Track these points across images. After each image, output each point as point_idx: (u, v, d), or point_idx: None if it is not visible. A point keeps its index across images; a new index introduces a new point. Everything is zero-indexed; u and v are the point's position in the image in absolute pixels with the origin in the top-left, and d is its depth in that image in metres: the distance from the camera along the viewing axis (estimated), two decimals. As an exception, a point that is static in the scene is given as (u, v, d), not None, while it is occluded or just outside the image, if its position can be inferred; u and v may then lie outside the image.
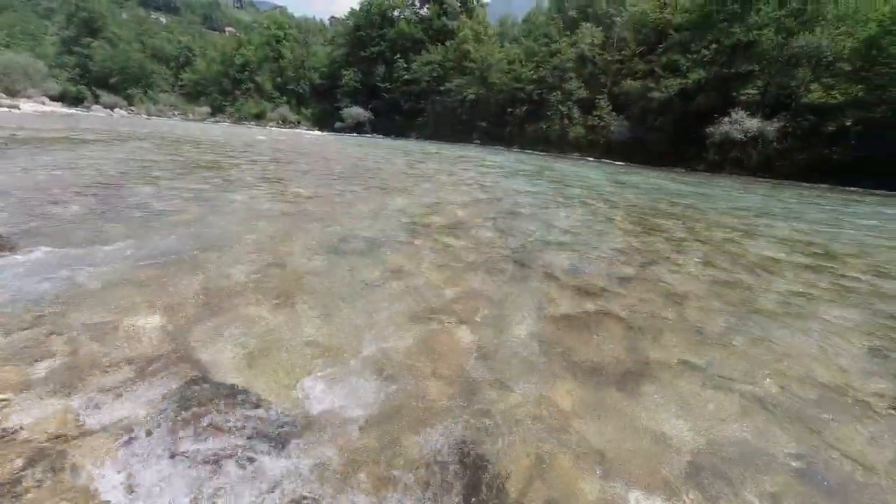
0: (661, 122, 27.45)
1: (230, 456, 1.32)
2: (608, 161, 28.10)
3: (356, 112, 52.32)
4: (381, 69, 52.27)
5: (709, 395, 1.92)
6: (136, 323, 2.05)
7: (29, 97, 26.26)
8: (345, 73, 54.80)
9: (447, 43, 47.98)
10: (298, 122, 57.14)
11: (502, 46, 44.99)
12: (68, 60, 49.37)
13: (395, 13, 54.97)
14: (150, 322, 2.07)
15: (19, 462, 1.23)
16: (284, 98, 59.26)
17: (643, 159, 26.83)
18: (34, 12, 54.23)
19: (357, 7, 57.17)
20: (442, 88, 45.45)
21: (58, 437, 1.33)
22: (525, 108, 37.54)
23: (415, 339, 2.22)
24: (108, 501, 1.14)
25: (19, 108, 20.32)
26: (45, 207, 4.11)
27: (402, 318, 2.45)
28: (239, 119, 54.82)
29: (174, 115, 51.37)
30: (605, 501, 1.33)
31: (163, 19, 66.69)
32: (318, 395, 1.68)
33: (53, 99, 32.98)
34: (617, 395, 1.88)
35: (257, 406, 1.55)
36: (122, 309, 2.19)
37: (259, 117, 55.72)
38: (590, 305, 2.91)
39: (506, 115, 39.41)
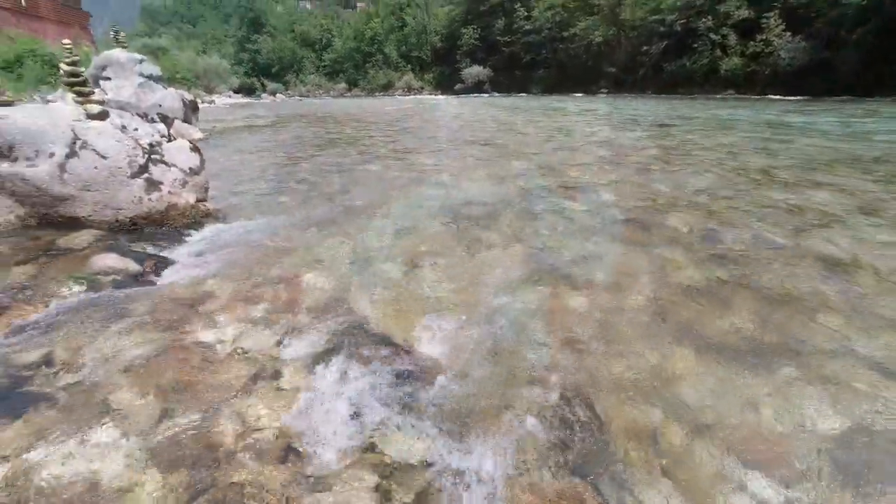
0: (858, 36, 21.04)
1: (378, 383, 1.69)
2: (775, 97, 22.91)
3: (475, 71, 51.54)
4: (500, 22, 49.95)
5: (865, 383, 1.68)
6: (309, 278, 2.61)
7: (220, 93, 32.24)
8: (464, 31, 53.94)
9: (572, -20, 43.27)
10: (422, 88, 58.83)
11: (638, -27, 38.84)
12: (243, 57, 58.63)
13: (516, -43, 51.19)
14: (319, 278, 2.61)
15: (245, 371, 1.78)
16: (409, 66, 61.26)
17: (825, 89, 21.22)
18: (218, 19, 64.91)
19: (474, -42, 54.71)
20: (565, 35, 41.67)
21: (272, 357, 1.87)
22: (664, 44, 32.34)
23: (530, 300, 2.37)
24: (299, 399, 1.60)
25: (214, 102, 25.11)
26: (240, 185, 5.22)
27: (520, 280, 2.61)
28: (370, 91, 58.82)
29: (319, 93, 57.54)
30: (720, 478, 1.32)
31: (308, 6, 73.69)
32: (442, 342, 1.98)
33: (235, 91, 40.13)
34: (745, 372, 1.77)
35: (395, 348, 1.91)
36: (298, 266, 2.79)
37: (387, 87, 58.92)
38: (722, 273, 2.67)
39: (638, 56, 34.58)
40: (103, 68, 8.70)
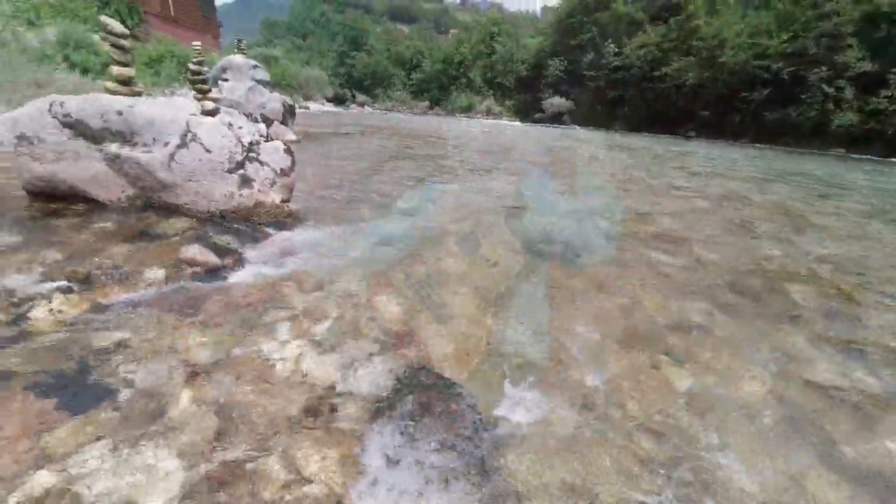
0: None
1: (441, 445, 1.43)
2: (898, 160, 20.06)
3: (557, 102, 51.18)
4: (588, 57, 49.37)
5: None
6: (377, 301, 2.44)
7: (315, 100, 34.72)
8: (550, 63, 54.03)
9: (670, 21, 41.74)
10: (501, 114, 59.46)
11: (744, 17, 36.49)
12: (340, 70, 63.16)
13: (613, -6, 50.68)
14: (389, 303, 2.43)
15: (302, 400, 1.60)
16: (491, 91, 62.34)
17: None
18: (326, 36, 70.83)
19: (571, -6, 54.94)
20: (655, 74, 40.08)
21: (331, 387, 1.69)
22: (767, 91, 29.86)
23: (620, 370, 2.01)
24: (355, 452, 1.38)
25: (309, 108, 27.11)
26: (322, 190, 5.32)
27: (608, 341, 2.26)
28: (451, 111, 60.43)
29: (402, 108, 60.18)
30: None
31: (405, 29, 78.13)
32: (518, 406, 1.68)
33: (328, 100, 43.06)
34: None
35: (472, 411, 1.65)
36: (368, 285, 2.65)
37: (467, 109, 60.24)
38: (863, 375, 2.12)
39: (736, 102, 32.20)
40: (224, 70, 9.57)
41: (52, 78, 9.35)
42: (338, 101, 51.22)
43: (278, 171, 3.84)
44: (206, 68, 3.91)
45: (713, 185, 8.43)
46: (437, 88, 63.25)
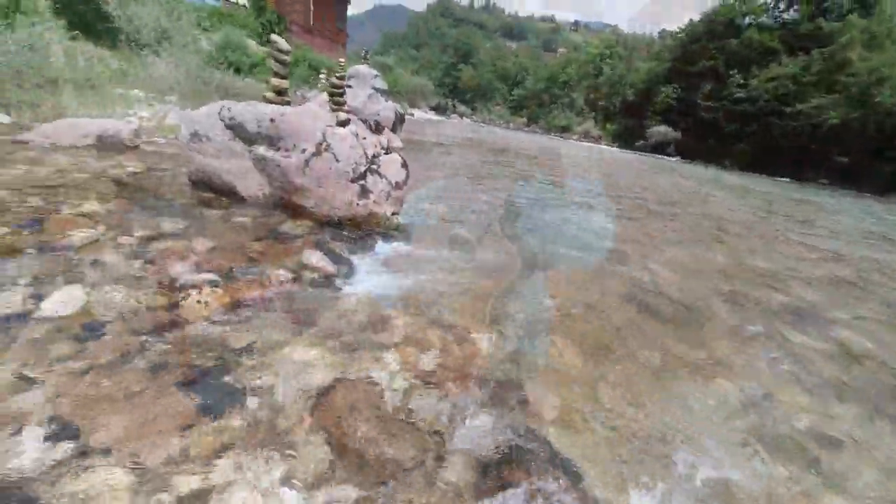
0: None
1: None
2: None
3: (663, 131, 47.73)
4: (707, 86, 45.26)
5: None
6: (482, 340, 2.34)
7: (419, 108, 36.39)
8: (662, 89, 50.58)
9: (812, 52, 36.62)
10: (600, 138, 57.04)
11: (914, 53, 30.73)
12: (446, 81, 65.60)
13: (745, 20, 45.96)
14: (492, 344, 2.32)
15: (411, 448, 1.54)
16: (592, 113, 60.12)
17: None
18: (437, 48, 74.05)
19: (697, 18, 50.93)
20: (787, 110, 35.40)
21: (437, 433, 1.61)
22: (936, 142, 24.75)
23: (760, 486, 1.66)
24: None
25: (413, 115, 28.42)
26: (423, 203, 5.41)
27: (738, 444, 1.90)
28: (547, 130, 59.41)
29: (499, 123, 60.52)
30: None
31: (513, 45, 78.77)
32: (638, 505, 1.45)
33: (431, 108, 44.98)
34: None
35: (588, 495, 1.45)
36: (471, 318, 2.56)
37: (565, 129, 58.73)
38: None
39: (889, 151, 27.16)
40: (349, 78, 10.34)
41: (212, 77, 10.87)
42: (439, 110, 53.17)
43: (393, 184, 3.96)
44: (345, 82, 4.17)
45: (859, 250, 7.09)
46: (537, 106, 62.65)
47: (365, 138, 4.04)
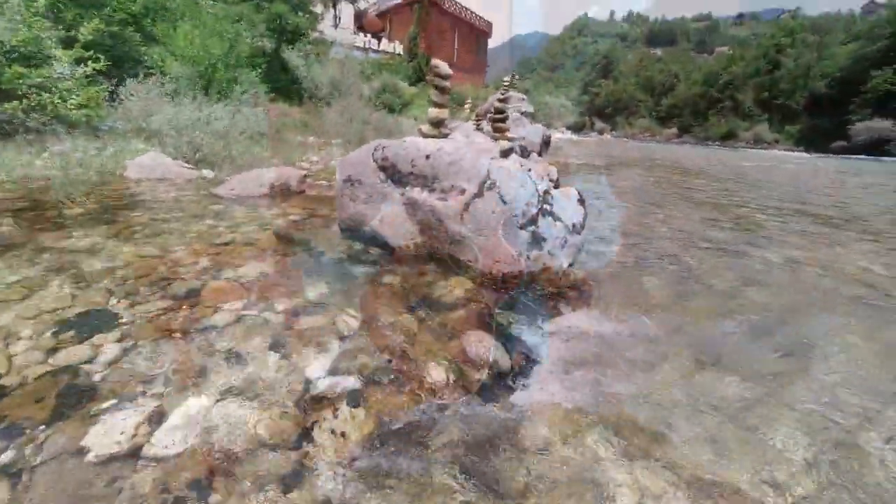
0: None
1: None
2: None
3: (876, 126, 35.80)
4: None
5: None
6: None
7: (555, 128, 34.76)
8: (874, 74, 38.32)
9: None
10: (776, 142, 46.11)
11: None
12: (583, 98, 62.08)
13: None
14: None
15: None
16: (765, 115, 49.15)
17: None
18: (573, 67, 71.07)
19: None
20: None
21: None
22: None
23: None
24: None
25: (551, 136, 27.08)
26: (594, 245, 4.19)
27: None
28: (702, 139, 50.76)
29: (644, 136, 54.14)
30: None
31: (658, 52, 70.39)
32: None
33: (568, 128, 42.75)
34: None
35: None
36: (734, 465, 1.33)
37: (726, 137, 49.28)
38: None
39: None
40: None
41: (369, 117, 11.67)
42: (576, 129, 50.27)
43: (570, 227, 2.94)
44: (509, 106, 3.38)
45: None
46: (691, 114, 54.11)
47: (530, 170, 3.13)
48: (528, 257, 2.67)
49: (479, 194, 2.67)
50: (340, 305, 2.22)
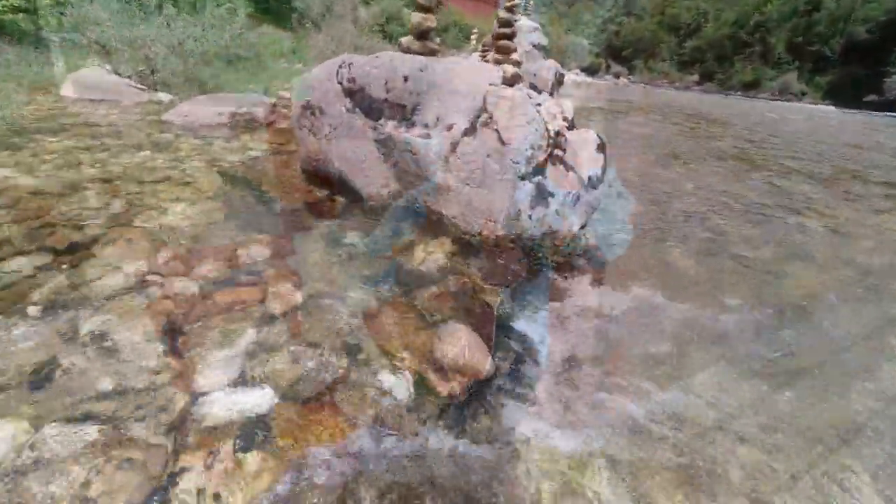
0: None
1: None
2: None
3: (916, 80, 32.95)
4: None
5: None
6: None
7: (570, 70, 32.08)
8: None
9: None
10: (803, 94, 42.90)
11: None
12: (601, 38, 56.91)
13: None
14: None
15: None
16: (796, 63, 45.27)
17: None
18: (593, 2, 64.38)
19: None
20: None
21: None
22: None
23: None
24: None
25: (564, 75, 24.97)
26: (609, 203, 3.55)
27: None
28: (725, 88, 47.30)
29: (661, 83, 50.47)
30: None
31: (688, -13, 63.39)
32: None
33: (582, 70, 39.49)
34: None
35: None
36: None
37: (751, 86, 45.77)
38: None
39: None
40: (504, 34, 8.55)
41: (369, 45, 10.34)
42: (590, 71, 46.57)
43: (586, 181, 2.30)
44: (518, 17, 2.59)
45: None
46: (715, 59, 49.75)
47: (540, 105, 2.41)
48: (529, 217, 2.07)
49: (470, 130, 2.01)
50: (280, 273, 1.67)
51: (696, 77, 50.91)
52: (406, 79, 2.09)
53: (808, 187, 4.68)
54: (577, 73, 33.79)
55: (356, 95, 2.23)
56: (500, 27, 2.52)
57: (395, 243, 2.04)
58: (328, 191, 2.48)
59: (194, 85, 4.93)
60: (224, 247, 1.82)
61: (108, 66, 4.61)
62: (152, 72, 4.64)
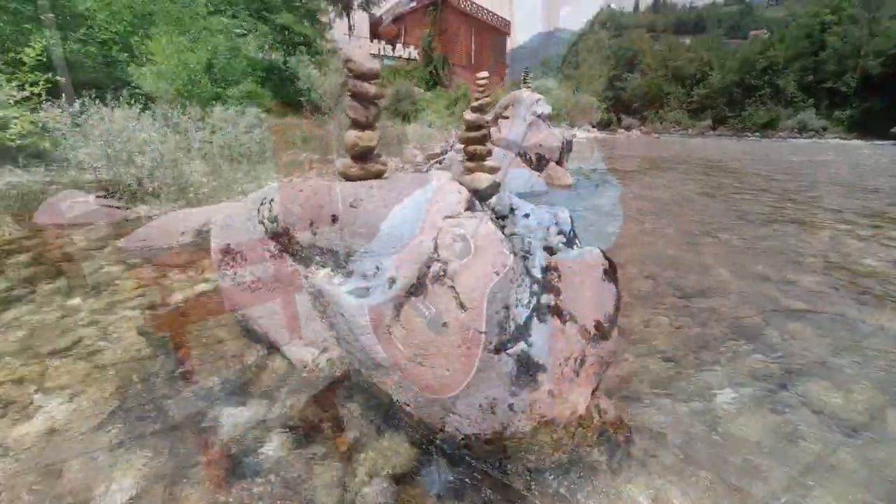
0: None
1: None
2: None
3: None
4: None
5: None
6: None
7: (580, 126, 32.50)
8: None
9: None
10: (824, 130, 41.56)
11: None
12: (609, 94, 58.51)
13: None
14: None
15: None
16: (811, 100, 44.48)
17: None
18: (598, 61, 67.36)
19: None
20: None
21: None
22: None
23: None
24: None
25: (575, 136, 25.09)
26: (631, 314, 2.83)
27: None
28: (739, 130, 46.66)
29: (674, 130, 50.49)
30: None
31: (687, 41, 65.55)
32: None
33: (594, 126, 40.03)
34: None
35: None
36: None
37: (767, 126, 44.93)
38: None
39: None
40: (506, 107, 8.44)
41: (381, 125, 10.56)
42: (602, 126, 47.27)
43: (590, 332, 1.62)
44: (487, 116, 2.11)
45: None
46: (725, 104, 49.66)
47: (527, 215, 1.83)
48: (509, 407, 1.40)
49: (418, 289, 1.42)
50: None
51: (709, 122, 50.68)
52: (334, 219, 1.58)
53: (828, 234, 3.77)
54: (588, 130, 34.18)
55: (282, 238, 1.73)
56: (468, 130, 2.04)
57: (325, 454, 1.39)
58: (265, 351, 1.92)
59: (186, 192, 4.77)
60: (76, 483, 1.24)
61: (92, 184, 4.54)
62: (139, 182, 4.51)
